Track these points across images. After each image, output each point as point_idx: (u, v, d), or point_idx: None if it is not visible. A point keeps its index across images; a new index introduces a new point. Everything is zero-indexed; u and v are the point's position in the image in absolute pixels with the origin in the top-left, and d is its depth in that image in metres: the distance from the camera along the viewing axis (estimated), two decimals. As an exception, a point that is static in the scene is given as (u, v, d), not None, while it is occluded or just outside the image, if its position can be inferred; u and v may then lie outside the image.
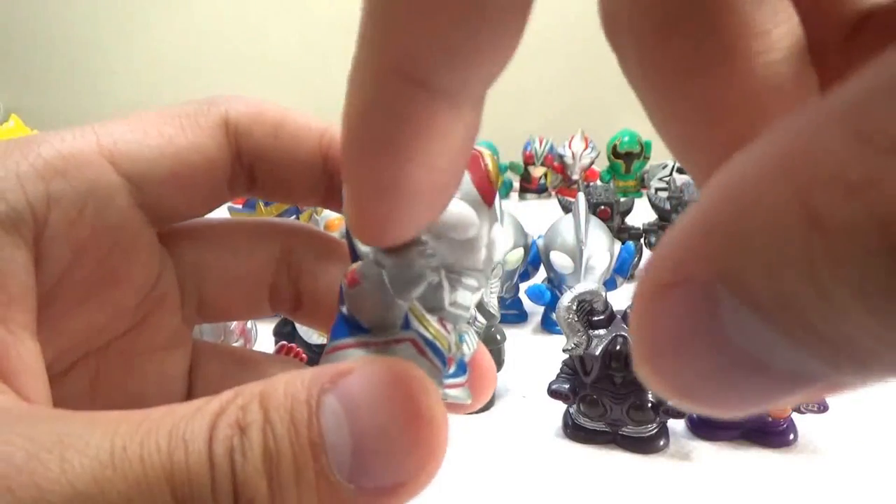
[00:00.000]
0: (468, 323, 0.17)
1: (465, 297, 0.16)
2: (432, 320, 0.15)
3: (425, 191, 0.11)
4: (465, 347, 0.16)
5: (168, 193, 0.17)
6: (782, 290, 0.06)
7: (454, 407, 0.17)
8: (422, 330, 0.15)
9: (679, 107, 0.12)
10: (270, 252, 0.20)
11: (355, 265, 0.15)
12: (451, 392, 0.16)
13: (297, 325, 0.45)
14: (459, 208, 0.15)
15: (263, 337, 0.49)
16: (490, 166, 0.16)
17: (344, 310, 0.15)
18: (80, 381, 0.17)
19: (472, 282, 0.16)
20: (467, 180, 0.16)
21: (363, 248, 0.16)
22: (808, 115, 0.07)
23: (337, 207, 0.18)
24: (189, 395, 0.20)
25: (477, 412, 0.42)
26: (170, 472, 0.11)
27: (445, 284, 0.15)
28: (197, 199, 0.18)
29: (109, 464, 0.11)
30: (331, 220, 0.67)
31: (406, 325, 0.15)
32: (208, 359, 0.20)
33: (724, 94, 0.11)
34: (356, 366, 0.12)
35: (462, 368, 0.16)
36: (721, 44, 0.11)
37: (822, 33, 0.11)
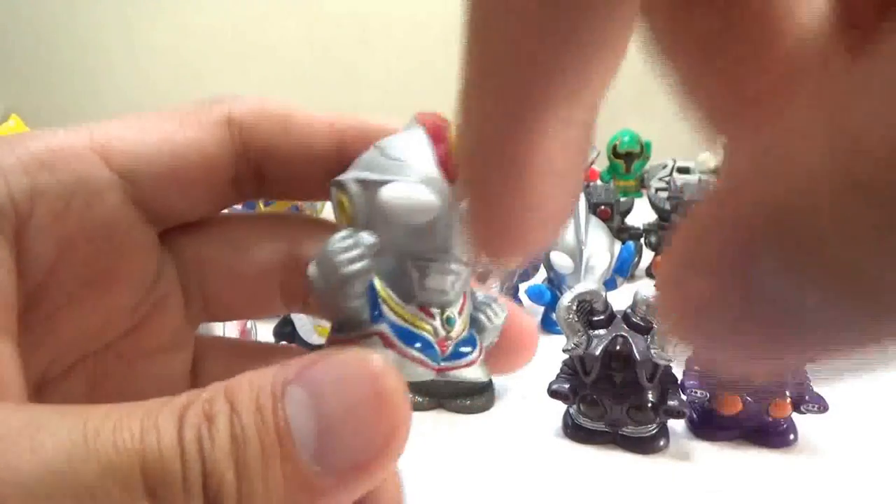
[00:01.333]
0: (485, 302, 0.17)
1: (439, 281, 0.15)
2: (407, 307, 0.15)
3: (552, 198, 0.11)
4: (457, 326, 0.16)
5: (165, 191, 0.16)
6: (825, 237, 0.06)
7: (496, 368, 0.18)
8: (394, 318, 0.15)
9: (707, 78, 0.11)
10: (278, 247, 0.19)
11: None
12: (462, 373, 0.16)
13: (297, 325, 0.45)
14: (408, 193, 0.14)
15: (263, 337, 0.49)
16: (451, 136, 0.15)
17: None
18: (77, 386, 0.17)
19: (444, 265, 0.15)
20: (427, 157, 0.15)
21: None
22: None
23: None
24: None
25: (477, 412, 0.42)
26: (142, 455, 0.11)
27: (413, 273, 0.15)
28: (197, 198, 0.17)
29: (82, 445, 0.11)
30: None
31: (378, 316, 0.15)
32: (213, 354, 0.20)
33: (753, 63, 0.11)
34: (318, 357, 0.13)
35: (465, 349, 0.16)
36: (749, 10, 0.10)
37: None
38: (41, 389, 0.16)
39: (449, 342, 0.16)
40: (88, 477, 0.11)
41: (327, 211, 0.59)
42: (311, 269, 0.14)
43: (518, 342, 0.18)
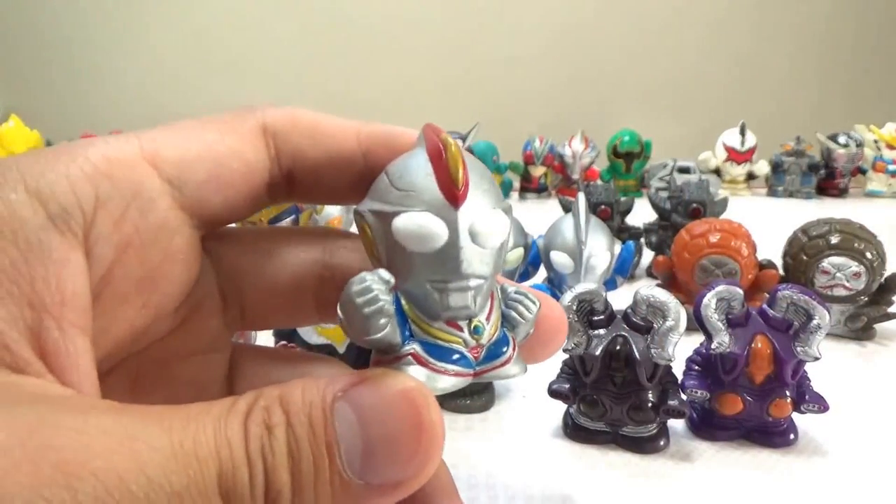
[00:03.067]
0: (517, 299, 0.17)
1: (459, 299, 0.16)
2: (434, 325, 0.16)
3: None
4: (486, 332, 0.16)
5: (208, 197, 0.17)
6: None
7: (531, 356, 0.18)
8: (424, 336, 0.16)
9: None
10: (312, 258, 0.20)
11: None
12: (500, 372, 0.17)
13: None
14: (416, 222, 0.15)
15: (262, 336, 0.49)
16: (450, 160, 0.15)
17: None
18: (120, 384, 0.18)
19: (461, 283, 0.16)
20: (431, 182, 0.15)
21: (374, 265, 0.16)
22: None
23: None
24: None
25: (477, 412, 0.42)
26: (218, 466, 0.12)
27: (435, 296, 0.16)
28: (237, 202, 0.18)
29: (172, 458, 0.12)
30: (331, 220, 0.67)
31: (409, 336, 0.16)
32: (249, 360, 0.21)
33: None
34: (366, 377, 0.14)
35: (499, 349, 0.17)
36: None
37: None
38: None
39: (481, 347, 0.16)
40: (178, 486, 0.12)
41: (327, 210, 0.59)
42: (338, 311, 0.15)
43: (548, 331, 0.19)
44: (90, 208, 0.15)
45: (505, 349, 0.17)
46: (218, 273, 0.20)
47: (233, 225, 0.19)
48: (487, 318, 0.17)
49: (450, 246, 0.15)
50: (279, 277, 0.20)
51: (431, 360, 0.16)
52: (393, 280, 0.15)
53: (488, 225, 0.16)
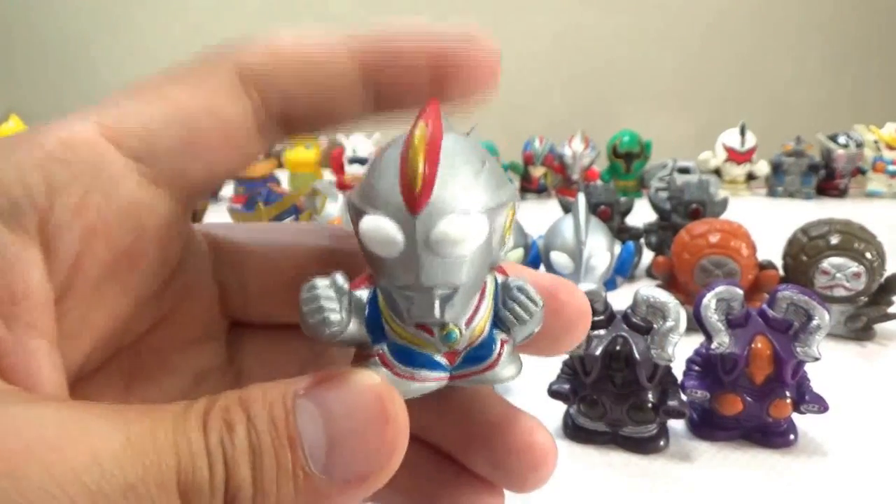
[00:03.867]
0: (516, 298, 0.16)
1: (421, 308, 0.14)
2: (407, 328, 0.15)
3: None
4: (463, 339, 0.15)
5: (185, 166, 0.16)
6: None
7: (537, 349, 0.18)
8: (394, 338, 0.15)
9: None
10: (318, 250, 0.20)
11: None
12: (481, 377, 0.16)
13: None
14: (375, 226, 0.14)
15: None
16: (410, 156, 0.14)
17: None
18: (114, 380, 0.17)
19: (425, 295, 0.14)
20: (393, 186, 0.14)
21: None
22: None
23: (391, 115, 0.17)
24: (234, 383, 0.19)
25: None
26: (176, 459, 0.12)
27: (401, 300, 0.15)
28: (222, 163, 0.17)
29: (128, 448, 0.12)
30: (331, 221, 0.67)
31: (380, 336, 0.15)
32: (249, 346, 0.20)
33: None
34: (331, 374, 0.14)
35: (482, 353, 0.16)
36: None
37: None
38: (79, 384, 0.16)
39: (458, 352, 0.16)
40: (133, 478, 0.12)
41: (328, 210, 0.59)
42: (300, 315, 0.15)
43: (570, 318, 0.18)
44: (43, 199, 0.14)
45: (489, 353, 0.16)
46: (219, 263, 0.19)
47: (232, 222, 0.19)
48: (469, 322, 0.15)
49: (407, 255, 0.14)
50: (283, 270, 0.19)
51: (397, 363, 0.15)
52: (347, 285, 0.15)
53: (452, 234, 0.14)
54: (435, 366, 0.15)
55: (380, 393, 0.14)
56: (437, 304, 0.14)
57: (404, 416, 0.14)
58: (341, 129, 0.18)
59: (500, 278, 0.16)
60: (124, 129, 0.15)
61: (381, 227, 0.14)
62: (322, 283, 0.15)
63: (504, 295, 0.16)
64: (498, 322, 0.16)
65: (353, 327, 0.15)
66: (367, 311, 0.15)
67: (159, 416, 0.13)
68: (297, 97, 0.16)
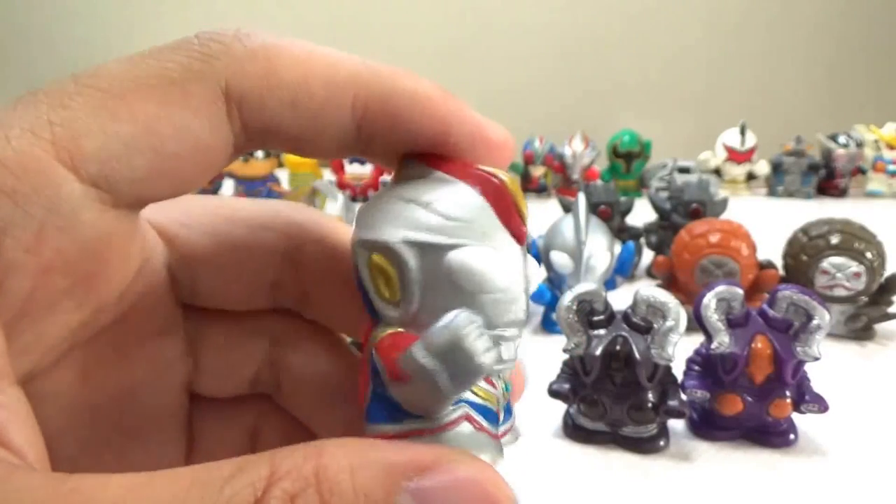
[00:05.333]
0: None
1: (510, 351, 0.14)
2: (480, 383, 0.14)
3: None
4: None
5: (149, 193, 0.14)
6: None
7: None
8: (472, 398, 0.13)
9: None
10: (274, 246, 0.18)
11: (397, 356, 0.13)
12: (508, 437, 0.15)
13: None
14: (483, 258, 0.13)
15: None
16: (516, 192, 0.14)
17: (382, 391, 0.13)
18: (68, 376, 0.16)
19: (512, 332, 0.14)
20: (491, 219, 0.13)
21: (388, 312, 0.14)
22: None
23: (372, 159, 0.16)
24: (193, 371, 0.18)
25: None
26: None
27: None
28: (187, 186, 0.15)
29: None
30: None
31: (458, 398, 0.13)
32: (209, 330, 0.19)
33: None
34: (433, 461, 0.11)
35: (508, 411, 0.15)
36: None
37: None
38: (29, 384, 0.15)
39: (501, 408, 0.14)
40: None
41: (328, 210, 0.59)
42: (422, 356, 0.12)
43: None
44: None
45: (510, 415, 0.15)
46: (170, 251, 0.17)
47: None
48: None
49: (512, 289, 0.13)
50: (235, 264, 0.18)
51: (484, 422, 0.13)
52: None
53: (533, 269, 0.14)
54: (496, 423, 0.14)
55: (492, 493, 0.11)
56: (515, 346, 0.14)
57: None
58: (316, 158, 0.17)
59: None
60: (83, 151, 0.13)
61: (494, 259, 0.13)
62: (467, 316, 0.12)
63: None
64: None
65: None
66: None
67: (186, 497, 0.10)
68: (283, 128, 0.14)
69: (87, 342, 0.16)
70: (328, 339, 0.19)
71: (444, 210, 0.13)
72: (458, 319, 0.12)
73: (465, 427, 0.13)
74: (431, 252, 0.13)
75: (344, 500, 0.10)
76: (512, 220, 0.14)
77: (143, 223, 0.16)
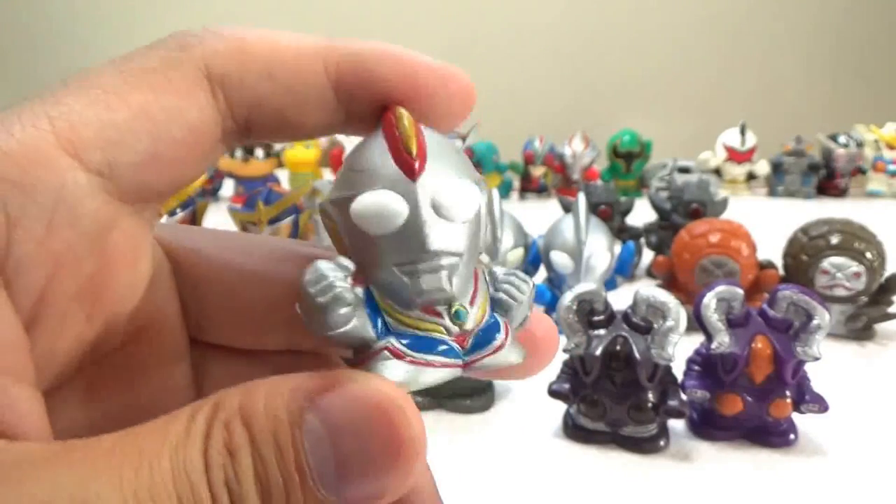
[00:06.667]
0: (506, 280, 0.16)
1: (432, 281, 0.14)
2: (410, 313, 0.15)
3: None
4: (470, 318, 0.15)
5: (148, 179, 0.14)
6: None
7: (509, 372, 0.17)
8: (400, 328, 0.14)
9: None
10: (288, 281, 0.17)
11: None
12: (495, 360, 0.15)
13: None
14: (373, 202, 0.14)
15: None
16: (402, 129, 0.14)
17: None
18: (74, 394, 0.16)
19: (432, 263, 0.14)
20: (387, 161, 0.14)
21: (348, 263, 0.15)
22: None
23: (356, 130, 0.17)
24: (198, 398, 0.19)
25: (477, 412, 0.42)
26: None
27: (405, 280, 0.14)
28: (185, 173, 0.15)
29: (131, 501, 0.11)
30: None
31: (384, 330, 0.14)
32: (215, 359, 0.19)
33: None
34: (335, 380, 0.13)
35: (490, 336, 0.15)
36: None
37: None
38: None
39: (466, 335, 0.15)
40: None
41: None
42: (297, 307, 0.14)
43: (535, 345, 0.17)
44: (2, 232, 0.12)
45: (497, 335, 0.16)
46: (181, 283, 0.18)
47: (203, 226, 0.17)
48: (471, 302, 0.15)
49: (412, 222, 0.14)
50: (247, 299, 0.18)
51: (411, 352, 0.14)
52: (352, 266, 0.14)
53: (453, 195, 0.14)
54: (450, 350, 0.15)
55: (389, 410, 0.13)
56: (444, 275, 0.14)
57: (420, 432, 0.13)
58: (305, 139, 0.18)
59: (486, 268, 0.17)
60: (84, 140, 0.13)
61: (381, 200, 0.14)
62: (326, 265, 0.14)
63: (494, 282, 0.16)
64: (495, 306, 0.16)
65: (358, 321, 0.14)
66: (366, 310, 0.14)
67: (156, 455, 0.11)
68: (265, 102, 0.15)
69: (95, 364, 0.16)
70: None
71: (351, 164, 0.15)
72: (305, 269, 0.14)
73: (385, 356, 0.14)
74: (343, 206, 0.14)
75: (259, 422, 0.12)
76: (399, 155, 0.14)
77: (150, 240, 0.16)
